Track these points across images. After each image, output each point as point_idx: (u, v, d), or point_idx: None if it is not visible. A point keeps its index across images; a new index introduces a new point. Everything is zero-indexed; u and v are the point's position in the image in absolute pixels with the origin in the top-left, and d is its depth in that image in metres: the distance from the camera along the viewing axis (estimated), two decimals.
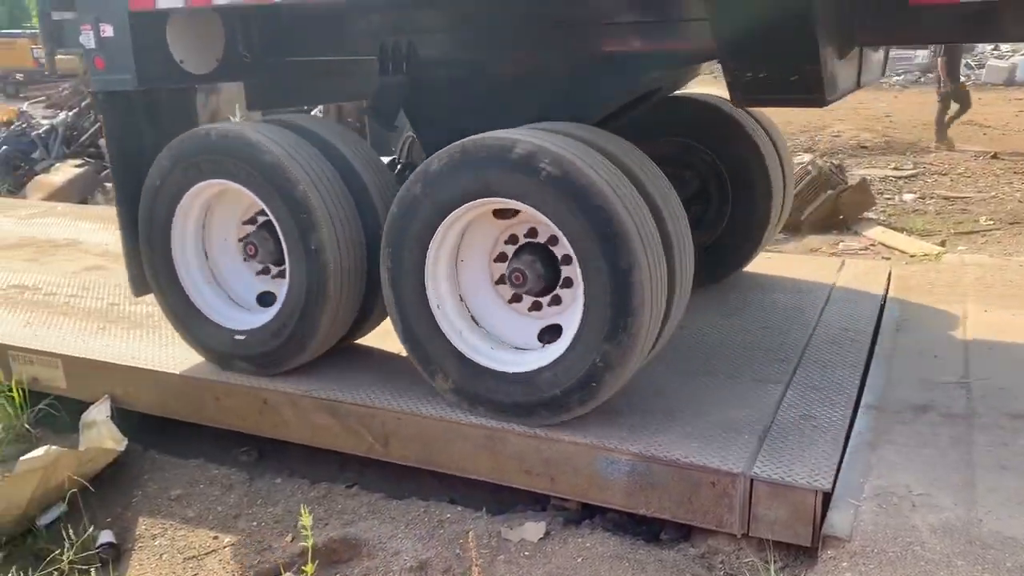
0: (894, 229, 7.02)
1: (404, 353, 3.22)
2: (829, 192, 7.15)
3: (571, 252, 2.81)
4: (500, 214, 3.02)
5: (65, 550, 3.03)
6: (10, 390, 3.95)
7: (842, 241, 6.78)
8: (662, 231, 2.87)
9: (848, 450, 2.80)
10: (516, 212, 2.96)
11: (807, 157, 7.79)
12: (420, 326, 3.08)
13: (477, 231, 3.09)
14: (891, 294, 4.30)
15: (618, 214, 2.68)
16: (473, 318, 3.13)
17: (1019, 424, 2.93)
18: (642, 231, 2.73)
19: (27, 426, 3.94)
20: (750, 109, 4.23)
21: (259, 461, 3.68)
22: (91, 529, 3.15)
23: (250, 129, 3.35)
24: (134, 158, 3.66)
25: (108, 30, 3.50)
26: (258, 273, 3.68)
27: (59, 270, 5.32)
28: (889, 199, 8.34)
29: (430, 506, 3.14)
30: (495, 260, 3.14)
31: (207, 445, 3.73)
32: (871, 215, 7.51)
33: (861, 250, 6.54)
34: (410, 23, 3.47)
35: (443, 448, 3.11)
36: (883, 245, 6.60)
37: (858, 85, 3.36)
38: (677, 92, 4.22)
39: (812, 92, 2.74)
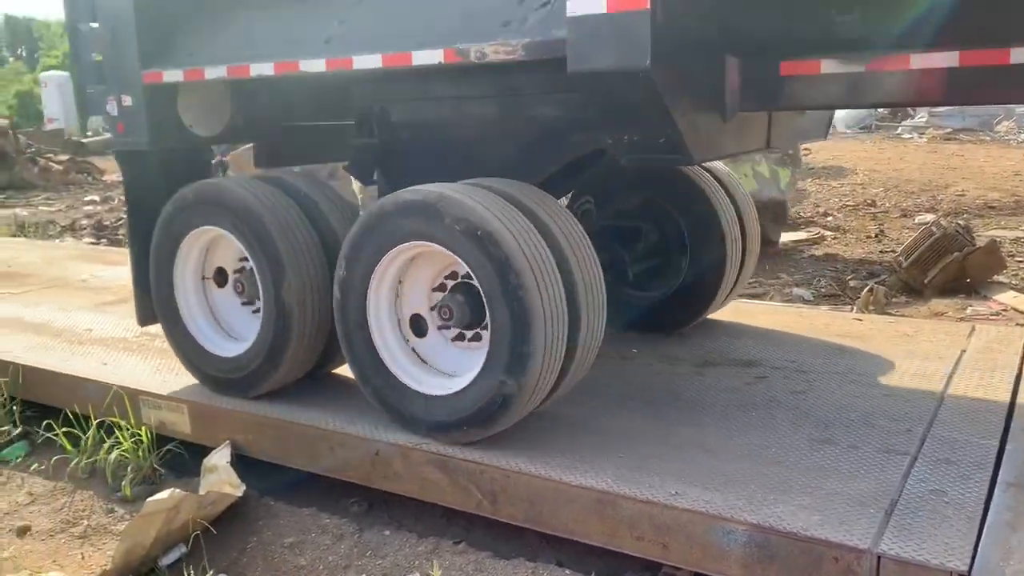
0: None
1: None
2: (955, 254, 6.84)
3: (481, 291, 3.14)
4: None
5: None
6: (139, 433, 4.15)
7: (970, 306, 6.44)
8: (566, 277, 3.20)
9: (985, 530, 2.61)
10: None
11: (930, 217, 7.49)
12: (359, 343, 3.53)
13: (422, 265, 3.49)
14: None
15: (516, 258, 3.03)
16: (407, 342, 3.56)
17: None
18: (540, 275, 3.07)
19: (155, 466, 4.13)
20: (712, 169, 4.66)
21: (368, 512, 3.73)
22: (210, 572, 3.25)
23: (235, 183, 3.91)
24: (147, 206, 4.26)
25: (127, 100, 4.14)
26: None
27: None
28: (1021, 261, 7.90)
29: (538, 567, 3.09)
30: (434, 290, 3.54)
31: (318, 494, 3.81)
32: (1002, 279, 7.12)
33: (992, 315, 6.20)
34: (383, 93, 3.94)
35: (551, 509, 3.07)
36: (1016, 311, 6.23)
37: (768, 144, 3.82)
38: None
39: (678, 153, 3.08)
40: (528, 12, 3.09)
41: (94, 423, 4.28)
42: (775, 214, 8.46)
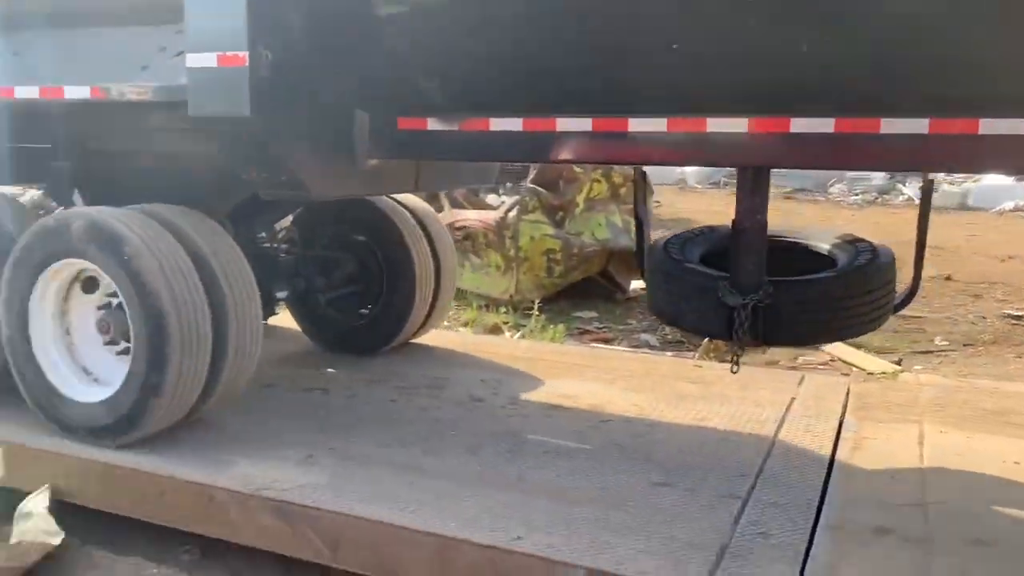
0: (852, 346, 7.13)
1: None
2: None
3: (124, 304, 3.58)
4: None
5: None
6: None
7: (802, 355, 6.86)
8: (212, 296, 3.61)
9: (806, 572, 2.75)
10: None
11: None
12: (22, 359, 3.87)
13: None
14: (849, 411, 4.33)
15: (151, 274, 3.46)
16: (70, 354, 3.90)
17: (978, 551, 2.91)
18: (178, 292, 3.50)
19: None
20: (410, 206, 5.28)
21: (201, 560, 3.52)
22: None
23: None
24: None
25: None
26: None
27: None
28: None
29: None
30: (99, 308, 3.88)
31: (147, 541, 3.58)
32: None
33: (820, 365, 6.62)
34: (75, 121, 4.26)
35: (394, 556, 3.00)
36: (842, 361, 6.68)
37: (417, 186, 4.56)
38: None
39: (300, 189, 3.65)
40: (164, 60, 3.55)
41: None
42: (627, 262, 8.77)
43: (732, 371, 3.61)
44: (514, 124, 3.28)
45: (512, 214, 8.16)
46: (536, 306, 7.55)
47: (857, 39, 2.79)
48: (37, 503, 3.54)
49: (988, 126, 2.63)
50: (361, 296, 5.25)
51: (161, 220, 3.72)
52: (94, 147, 4.36)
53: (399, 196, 5.26)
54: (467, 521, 3.01)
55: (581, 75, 3.15)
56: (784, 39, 2.84)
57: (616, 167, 8.30)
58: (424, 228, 5.25)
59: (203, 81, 3.36)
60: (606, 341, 7.22)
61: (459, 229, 8.45)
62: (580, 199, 8.53)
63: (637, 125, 3.08)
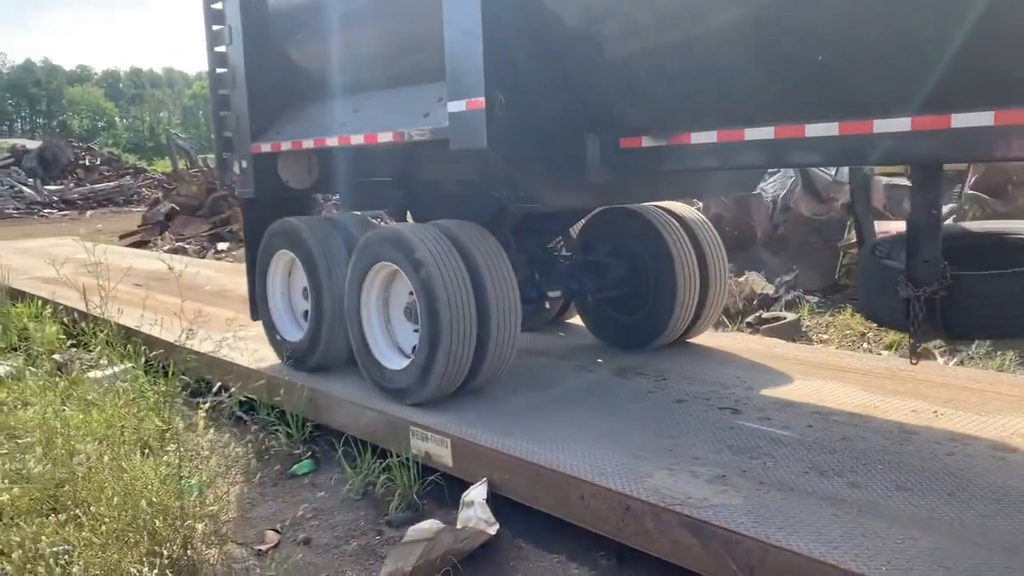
0: None
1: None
2: None
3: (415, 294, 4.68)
4: None
5: None
6: (407, 461, 4.41)
7: None
8: (478, 293, 4.53)
9: None
10: None
11: None
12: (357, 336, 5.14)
13: (399, 281, 4.97)
14: None
15: (432, 274, 4.48)
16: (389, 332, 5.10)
17: None
18: (450, 289, 4.46)
19: (416, 497, 4.36)
20: (679, 215, 5.77)
21: (617, 567, 3.66)
22: None
23: (297, 221, 5.72)
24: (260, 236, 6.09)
25: (245, 163, 6.10)
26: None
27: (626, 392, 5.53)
28: None
29: None
30: (409, 294, 4.85)
31: (568, 541, 3.81)
32: None
33: None
34: (410, 160, 5.59)
35: None
36: None
37: (655, 197, 5.57)
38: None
39: (534, 203, 4.47)
40: (439, 108, 4.48)
41: (370, 448, 4.64)
42: None
43: (911, 363, 3.99)
44: (710, 136, 3.82)
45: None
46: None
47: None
48: (478, 493, 3.96)
49: None
50: (631, 297, 5.79)
51: (446, 232, 4.71)
52: (416, 178, 5.65)
53: (671, 206, 5.85)
54: (900, 566, 2.72)
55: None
56: None
57: None
58: (692, 236, 5.67)
59: (457, 122, 4.27)
60: None
61: None
62: None
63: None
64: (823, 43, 3.25)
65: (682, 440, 4.00)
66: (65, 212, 30.16)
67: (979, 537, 2.91)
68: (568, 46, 4.19)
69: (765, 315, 7.92)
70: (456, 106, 4.27)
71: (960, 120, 2.99)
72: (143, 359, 5.60)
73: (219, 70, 6.23)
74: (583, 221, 6.06)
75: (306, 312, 5.73)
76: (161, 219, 19.36)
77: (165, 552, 2.83)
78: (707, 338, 6.19)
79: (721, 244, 5.84)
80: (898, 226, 7.79)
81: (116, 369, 5.52)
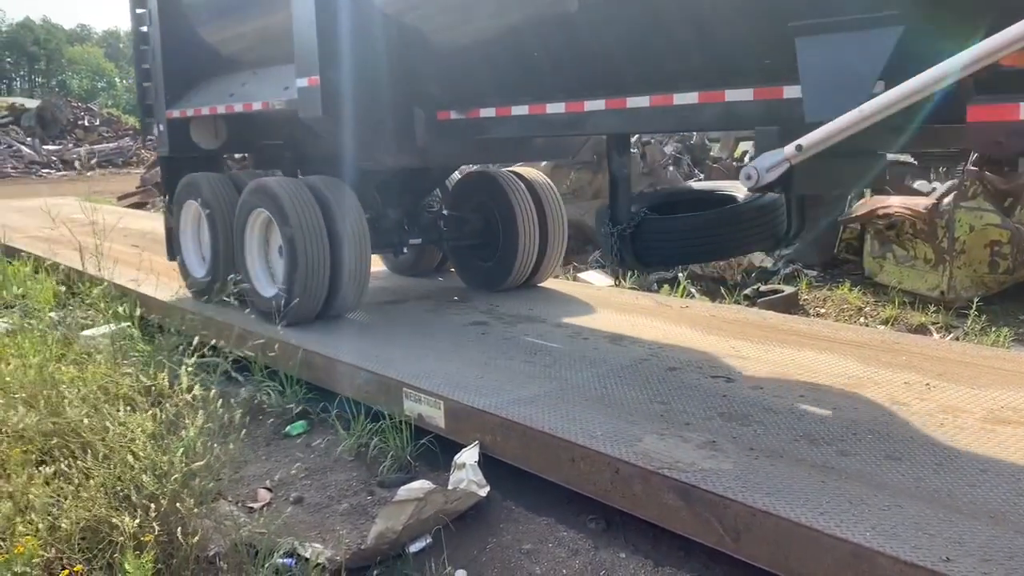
0: None
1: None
2: None
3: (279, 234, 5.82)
4: None
5: None
6: (400, 423, 4.43)
7: None
8: (331, 232, 5.66)
9: None
10: None
11: None
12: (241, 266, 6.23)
13: (274, 226, 5.92)
14: None
15: (292, 217, 5.60)
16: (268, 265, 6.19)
17: None
18: (306, 230, 5.58)
19: (409, 458, 4.38)
20: (526, 177, 6.94)
21: (605, 531, 3.68)
22: (448, 568, 3.37)
23: (200, 176, 6.83)
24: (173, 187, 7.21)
25: (162, 127, 7.26)
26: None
27: (450, 322, 5.92)
28: None
29: None
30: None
31: (557, 505, 3.83)
32: None
33: None
34: (293, 126, 6.15)
35: (799, 557, 2.83)
36: None
37: (472, 161, 7.08)
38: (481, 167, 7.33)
39: (367, 162, 5.85)
40: (294, 84, 5.61)
41: (363, 410, 4.64)
42: None
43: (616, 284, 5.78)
44: (490, 112, 5.08)
45: (947, 201, 7.27)
46: (974, 305, 6.63)
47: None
48: (470, 456, 3.98)
49: None
50: (485, 247, 6.96)
51: (309, 185, 5.79)
52: (299, 142, 6.70)
53: (522, 170, 7.07)
54: (885, 532, 2.73)
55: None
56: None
57: None
58: (536, 196, 6.81)
59: (302, 95, 5.49)
60: None
61: (882, 217, 7.76)
62: None
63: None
64: (552, 49, 4.50)
65: (673, 406, 4.02)
66: (64, 172, 30.03)
67: (965, 506, 2.93)
68: (391, 34, 5.27)
69: (763, 288, 7.92)
70: (301, 82, 5.48)
71: (632, 103, 4.23)
72: (139, 318, 5.60)
73: (142, 47, 7.36)
74: (456, 183, 7.34)
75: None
76: (159, 181, 19.28)
77: (152, 507, 2.84)
78: (700, 308, 6.19)
79: (561, 203, 6.99)
80: (897, 201, 7.80)
81: (111, 327, 5.53)
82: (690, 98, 3.97)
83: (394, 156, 5.70)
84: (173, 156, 7.30)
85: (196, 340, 4.27)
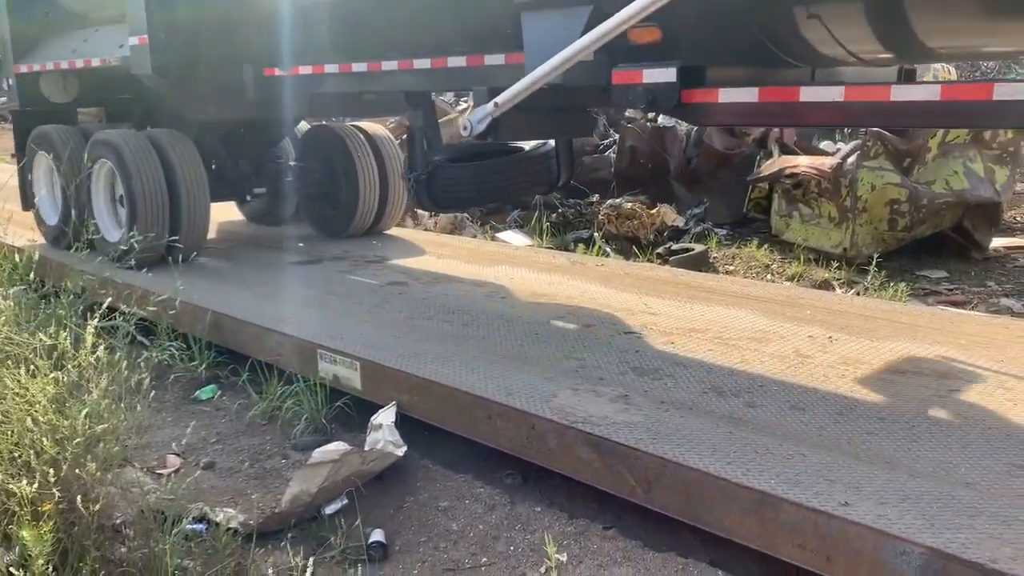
0: None
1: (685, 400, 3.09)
2: None
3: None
4: None
5: (340, 540, 3.26)
6: (315, 385, 4.36)
7: None
8: (169, 179, 6.20)
9: None
10: None
11: None
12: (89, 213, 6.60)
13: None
14: None
15: (131, 166, 6.14)
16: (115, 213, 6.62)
17: None
18: (144, 176, 6.10)
19: (324, 421, 4.33)
20: (367, 131, 7.44)
21: (521, 486, 3.72)
22: (364, 528, 3.36)
23: (50, 128, 7.16)
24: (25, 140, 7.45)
25: (11, 81, 7.73)
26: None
27: (364, 285, 5.85)
28: None
29: (689, 564, 2.97)
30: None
31: (474, 462, 3.85)
32: None
33: None
34: (140, 82, 6.46)
35: (707, 505, 2.93)
36: None
37: (308, 114, 7.47)
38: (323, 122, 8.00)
39: (201, 114, 6.58)
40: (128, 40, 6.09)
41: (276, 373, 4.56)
42: (988, 216, 7.71)
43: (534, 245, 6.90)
44: (307, 70, 5.59)
45: (851, 160, 7.51)
46: (874, 262, 6.90)
47: None
48: (386, 416, 3.95)
49: None
50: (330, 196, 7.41)
51: (150, 137, 6.32)
52: (146, 97, 7.00)
53: (365, 125, 7.48)
54: (788, 479, 2.84)
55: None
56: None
57: None
58: (376, 149, 7.27)
59: (134, 53, 6.01)
60: (957, 304, 6.43)
61: (789, 177, 7.97)
62: (933, 143, 7.62)
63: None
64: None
65: (588, 362, 4.07)
66: None
67: (863, 453, 3.07)
68: None
69: (675, 247, 8.06)
70: (133, 40, 5.99)
71: (417, 64, 4.87)
72: (37, 280, 5.34)
73: None
74: (303, 135, 7.75)
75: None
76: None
77: (52, 472, 2.73)
78: (614, 267, 6.27)
79: (400, 157, 7.22)
80: (804, 161, 8.03)
81: (10, 290, 5.25)
82: (460, 61, 4.66)
83: (227, 110, 6.31)
84: (25, 110, 7.60)
85: (95, 301, 4.09)
